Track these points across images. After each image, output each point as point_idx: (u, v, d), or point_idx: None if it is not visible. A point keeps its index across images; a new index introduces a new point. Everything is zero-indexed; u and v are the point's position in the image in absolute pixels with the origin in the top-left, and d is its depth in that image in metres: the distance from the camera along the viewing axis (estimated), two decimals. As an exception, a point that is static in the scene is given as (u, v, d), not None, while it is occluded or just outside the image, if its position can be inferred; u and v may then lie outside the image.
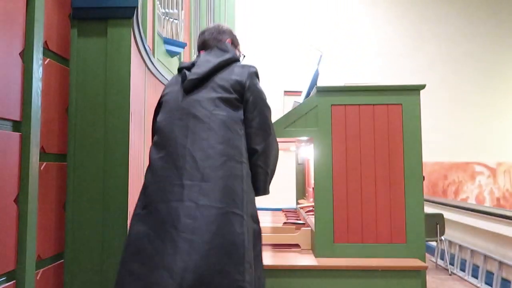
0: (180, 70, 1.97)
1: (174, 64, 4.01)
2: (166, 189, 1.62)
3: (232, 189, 1.62)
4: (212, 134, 1.68)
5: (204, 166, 1.62)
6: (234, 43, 2.10)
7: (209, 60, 1.87)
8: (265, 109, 1.83)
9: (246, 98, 1.79)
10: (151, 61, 2.94)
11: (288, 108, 4.32)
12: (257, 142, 1.76)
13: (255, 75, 1.87)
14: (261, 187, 1.82)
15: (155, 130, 1.87)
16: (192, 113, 1.73)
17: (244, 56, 2.26)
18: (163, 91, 1.97)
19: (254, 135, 1.77)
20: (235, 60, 1.91)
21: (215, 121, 1.70)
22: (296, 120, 2.66)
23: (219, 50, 1.94)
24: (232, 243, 1.55)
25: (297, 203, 4.56)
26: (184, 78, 1.84)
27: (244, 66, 1.90)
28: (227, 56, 1.89)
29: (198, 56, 1.98)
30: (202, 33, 2.07)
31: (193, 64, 1.90)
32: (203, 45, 2.04)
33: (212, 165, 1.63)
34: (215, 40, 2.00)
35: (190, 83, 1.80)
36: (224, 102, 1.74)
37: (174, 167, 1.64)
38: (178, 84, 1.89)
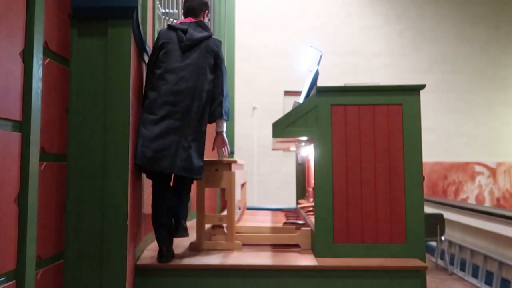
0: (172, 28, 2.70)
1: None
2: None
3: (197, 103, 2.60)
4: (198, 83, 2.60)
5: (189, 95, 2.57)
6: (208, 12, 2.93)
7: (197, 34, 2.69)
8: (223, 71, 2.75)
9: (217, 62, 2.71)
10: (151, 61, 2.94)
11: (288, 108, 4.32)
12: (218, 92, 2.69)
13: (221, 45, 2.77)
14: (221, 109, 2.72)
15: (163, 70, 2.59)
16: (190, 70, 2.60)
17: (209, 19, 3.21)
18: (160, 39, 2.67)
19: (216, 86, 2.69)
20: (211, 35, 2.76)
21: (201, 78, 2.62)
22: (296, 120, 2.66)
23: (203, 27, 2.76)
24: None
25: (297, 203, 4.56)
26: (181, 39, 2.65)
27: (215, 39, 2.76)
28: (208, 33, 2.74)
29: (185, 23, 2.75)
30: (187, 0, 2.86)
31: (184, 31, 2.67)
32: (191, 12, 2.83)
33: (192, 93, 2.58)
34: (200, 10, 2.83)
35: (187, 46, 2.64)
36: (208, 68, 2.67)
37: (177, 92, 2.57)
38: (175, 41, 2.65)
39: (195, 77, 2.57)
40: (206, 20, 2.87)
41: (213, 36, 2.76)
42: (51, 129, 1.96)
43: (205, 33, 2.70)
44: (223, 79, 2.69)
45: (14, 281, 1.54)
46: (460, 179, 8.71)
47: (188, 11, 2.82)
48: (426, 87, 2.65)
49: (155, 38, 2.78)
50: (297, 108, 2.69)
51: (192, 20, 2.77)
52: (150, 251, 2.81)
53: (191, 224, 4.06)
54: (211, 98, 2.64)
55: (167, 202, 2.59)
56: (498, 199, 8.72)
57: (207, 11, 2.88)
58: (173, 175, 2.63)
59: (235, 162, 2.97)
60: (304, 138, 2.88)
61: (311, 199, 3.53)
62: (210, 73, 2.65)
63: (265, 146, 8.14)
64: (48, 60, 1.92)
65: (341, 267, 2.44)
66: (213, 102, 2.65)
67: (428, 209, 5.74)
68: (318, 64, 3.32)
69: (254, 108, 8.49)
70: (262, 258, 2.57)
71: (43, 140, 1.85)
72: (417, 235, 2.55)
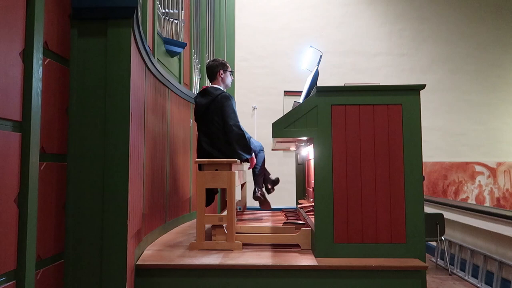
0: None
1: (174, 64, 4.01)
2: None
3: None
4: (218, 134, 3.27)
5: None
6: (224, 69, 3.38)
7: (203, 101, 3.29)
8: (231, 128, 3.28)
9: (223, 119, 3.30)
10: (151, 61, 2.94)
11: (288, 108, 4.32)
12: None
13: (227, 99, 3.27)
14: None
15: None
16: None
17: (232, 71, 3.57)
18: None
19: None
20: (214, 98, 3.25)
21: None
22: (296, 120, 2.66)
23: (208, 93, 3.27)
24: None
25: (297, 203, 4.56)
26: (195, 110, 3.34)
27: (220, 98, 3.24)
28: (211, 98, 3.23)
29: (199, 93, 3.36)
30: (208, 64, 3.42)
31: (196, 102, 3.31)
32: (209, 76, 3.38)
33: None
34: (214, 73, 3.36)
35: (196, 117, 3.30)
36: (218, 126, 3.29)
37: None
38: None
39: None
40: (226, 76, 3.32)
41: (219, 96, 3.17)
42: (51, 129, 1.96)
43: (208, 99, 3.19)
44: (230, 132, 3.14)
45: (14, 281, 1.54)
46: (460, 179, 8.71)
47: (208, 76, 3.37)
48: (426, 87, 2.65)
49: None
50: (297, 108, 2.69)
51: (208, 85, 3.31)
52: (150, 251, 2.81)
53: (191, 224, 4.06)
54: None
55: None
56: (498, 199, 8.72)
57: (221, 70, 3.32)
58: None
59: (235, 162, 2.97)
60: (304, 138, 2.88)
61: (311, 199, 3.53)
62: (222, 129, 3.17)
63: (265, 146, 8.12)
64: (48, 60, 1.92)
65: (341, 267, 2.44)
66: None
67: (428, 209, 5.74)
68: (318, 64, 3.32)
69: (254, 108, 8.49)
70: (262, 258, 2.57)
71: (43, 140, 1.85)
72: (417, 235, 2.55)
